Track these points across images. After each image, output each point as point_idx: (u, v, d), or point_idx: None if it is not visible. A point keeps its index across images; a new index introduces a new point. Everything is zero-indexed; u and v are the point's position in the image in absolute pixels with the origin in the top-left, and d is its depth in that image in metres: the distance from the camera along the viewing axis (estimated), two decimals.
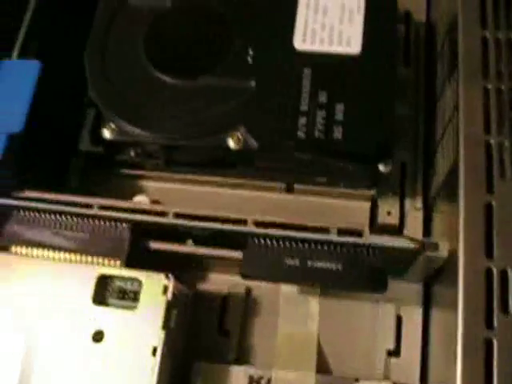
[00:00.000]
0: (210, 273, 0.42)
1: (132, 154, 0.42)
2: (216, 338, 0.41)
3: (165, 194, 0.44)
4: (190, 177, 0.44)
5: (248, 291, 0.42)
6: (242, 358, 0.40)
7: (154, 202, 0.43)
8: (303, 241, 0.36)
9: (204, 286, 0.42)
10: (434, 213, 0.42)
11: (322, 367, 0.39)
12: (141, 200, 0.43)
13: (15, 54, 0.41)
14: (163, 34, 0.42)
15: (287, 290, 0.41)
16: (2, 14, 0.42)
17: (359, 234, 0.36)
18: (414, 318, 0.41)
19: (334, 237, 0.36)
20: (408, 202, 0.43)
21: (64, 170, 0.44)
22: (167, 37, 0.42)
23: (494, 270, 0.31)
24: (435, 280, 0.40)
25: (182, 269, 0.39)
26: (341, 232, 0.36)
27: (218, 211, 0.38)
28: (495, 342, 0.30)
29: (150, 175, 0.44)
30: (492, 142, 0.34)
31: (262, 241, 0.37)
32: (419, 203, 0.43)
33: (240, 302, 0.41)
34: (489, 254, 0.32)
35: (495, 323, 0.30)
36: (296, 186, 0.43)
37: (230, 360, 0.40)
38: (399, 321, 0.41)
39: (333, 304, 0.41)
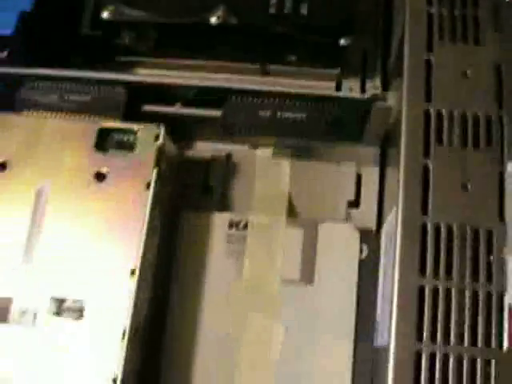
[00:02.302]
0: (195, 141, 0.49)
1: (126, 38, 0.48)
2: (201, 195, 0.47)
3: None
4: (176, 62, 0.50)
5: (228, 156, 0.48)
6: (224, 209, 0.47)
7: None
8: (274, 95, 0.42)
9: (190, 153, 0.49)
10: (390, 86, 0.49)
11: (291, 214, 0.46)
12: None
13: None
14: None
15: (262, 154, 0.48)
16: None
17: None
18: (371, 175, 0.47)
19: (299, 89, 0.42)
20: (368, 82, 0.49)
21: (67, 53, 0.50)
22: None
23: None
24: (388, 143, 0.46)
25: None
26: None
27: None
28: None
29: (142, 61, 0.50)
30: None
31: (240, 98, 0.43)
32: (378, 82, 0.49)
33: (221, 165, 0.48)
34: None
35: None
36: (271, 68, 0.49)
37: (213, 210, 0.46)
38: (359, 178, 0.47)
39: (302, 165, 0.48)
